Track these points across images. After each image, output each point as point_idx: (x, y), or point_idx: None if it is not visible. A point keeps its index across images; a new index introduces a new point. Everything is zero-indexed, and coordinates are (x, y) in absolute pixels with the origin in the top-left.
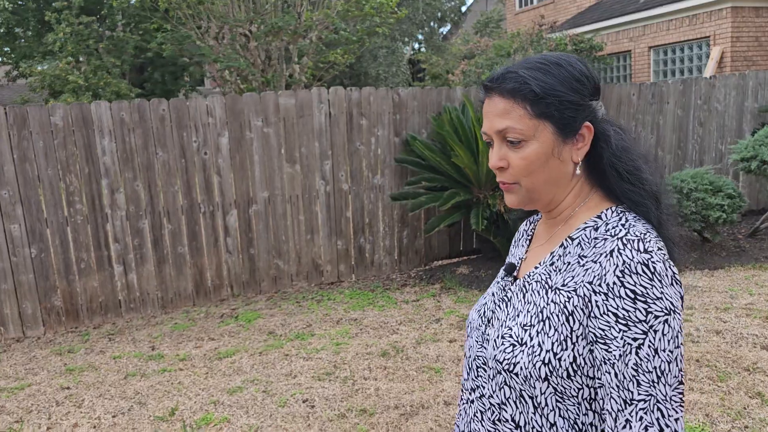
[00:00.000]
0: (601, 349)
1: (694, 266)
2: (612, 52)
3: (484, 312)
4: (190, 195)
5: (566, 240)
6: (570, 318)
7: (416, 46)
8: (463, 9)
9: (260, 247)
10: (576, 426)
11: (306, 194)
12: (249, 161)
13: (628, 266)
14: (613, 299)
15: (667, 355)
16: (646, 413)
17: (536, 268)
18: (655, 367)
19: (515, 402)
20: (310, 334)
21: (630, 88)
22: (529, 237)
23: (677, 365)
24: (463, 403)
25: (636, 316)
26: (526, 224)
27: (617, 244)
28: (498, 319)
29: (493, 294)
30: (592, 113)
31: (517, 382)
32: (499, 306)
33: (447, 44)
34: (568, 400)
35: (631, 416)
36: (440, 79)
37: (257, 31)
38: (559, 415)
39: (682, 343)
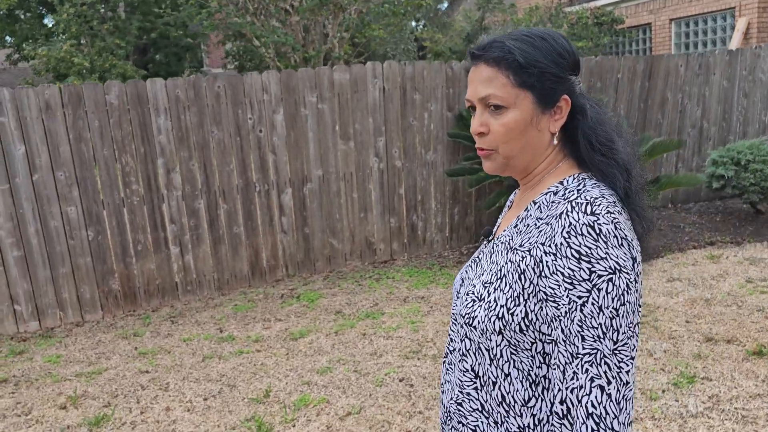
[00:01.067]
0: (551, 306)
1: (752, 238)
2: (631, 25)
3: (462, 274)
4: (246, 174)
5: (530, 204)
6: (522, 276)
7: (414, 23)
8: None
9: (315, 226)
10: (530, 377)
11: (360, 172)
12: (303, 138)
13: (573, 227)
14: (561, 259)
15: (611, 312)
16: (591, 365)
17: (504, 231)
18: (600, 324)
19: (474, 353)
20: (380, 313)
21: (678, 59)
22: (510, 204)
23: (624, 321)
24: (444, 357)
25: (580, 275)
26: (514, 193)
27: (567, 207)
28: (469, 278)
29: (472, 258)
30: (571, 87)
31: (475, 335)
32: (471, 267)
33: (450, 21)
34: (522, 353)
35: (578, 369)
36: (443, 57)
37: (300, 6)
38: (514, 367)
39: (629, 301)
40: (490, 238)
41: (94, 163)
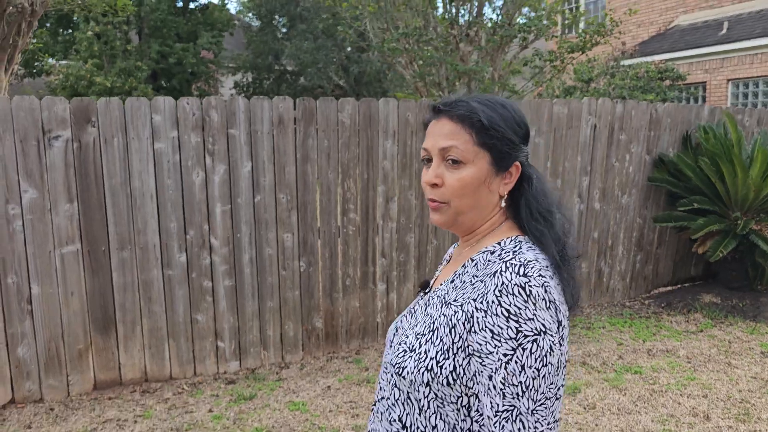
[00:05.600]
0: (476, 361)
1: None
2: (686, 82)
3: (397, 323)
4: None
5: (468, 261)
6: (452, 330)
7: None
8: None
9: None
10: (455, 430)
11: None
12: None
13: (505, 287)
14: (491, 316)
15: (533, 371)
16: (507, 421)
17: (441, 285)
18: (520, 382)
19: (403, 403)
20: (638, 367)
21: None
22: (449, 259)
23: (544, 382)
24: (373, 405)
25: (507, 333)
26: (453, 247)
27: (501, 267)
28: (402, 328)
29: (408, 308)
30: (523, 155)
31: (405, 385)
32: (406, 317)
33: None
34: (448, 405)
35: (495, 426)
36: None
37: (480, 35)
38: (440, 419)
39: (551, 363)
40: (426, 291)
41: (317, 187)
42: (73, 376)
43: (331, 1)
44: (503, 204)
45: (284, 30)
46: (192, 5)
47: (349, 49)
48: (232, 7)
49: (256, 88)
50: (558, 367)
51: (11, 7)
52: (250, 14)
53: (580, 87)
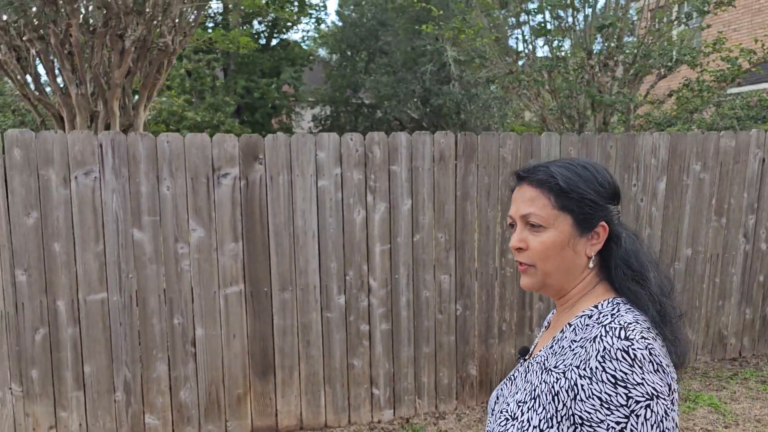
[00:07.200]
0: (587, 430)
1: None
2: None
3: (498, 391)
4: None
5: (566, 326)
6: (555, 398)
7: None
8: None
9: None
10: None
11: (726, 253)
12: (680, 211)
13: (608, 352)
14: (597, 383)
15: None
16: None
17: (540, 351)
18: None
19: None
20: None
21: None
22: (547, 325)
23: None
24: None
25: (617, 401)
26: (550, 314)
27: (601, 331)
28: (503, 395)
29: (508, 375)
30: (609, 215)
31: None
32: (506, 384)
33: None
34: None
35: None
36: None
37: (618, 65)
38: None
39: (667, 428)
40: (526, 357)
41: (475, 225)
42: (232, 422)
43: (451, 32)
44: (591, 265)
45: (363, 64)
46: (274, 41)
47: (428, 81)
48: (312, 42)
49: (334, 121)
50: None
51: (156, 47)
52: (320, 50)
53: (683, 118)
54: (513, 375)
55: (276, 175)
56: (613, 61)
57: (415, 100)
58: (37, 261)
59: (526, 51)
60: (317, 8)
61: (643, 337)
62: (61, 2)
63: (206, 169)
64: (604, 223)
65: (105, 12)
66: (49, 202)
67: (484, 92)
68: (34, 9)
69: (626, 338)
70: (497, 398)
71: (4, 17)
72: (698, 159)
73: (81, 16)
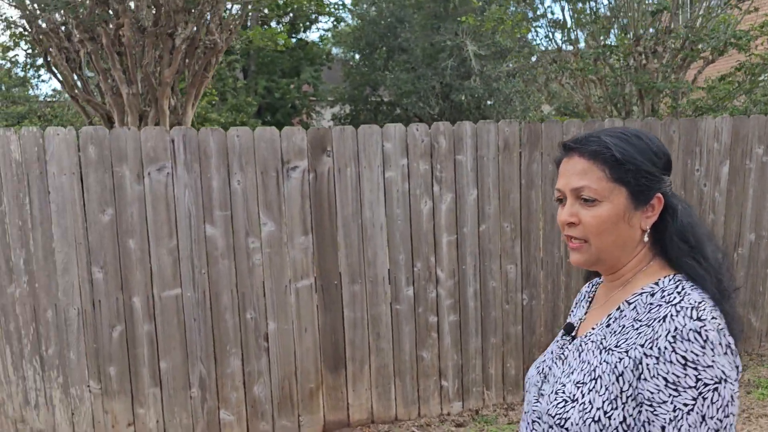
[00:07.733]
0: (647, 410)
1: None
2: None
3: (542, 369)
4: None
5: (623, 303)
6: (620, 378)
7: None
8: None
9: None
10: None
11: None
12: (743, 196)
13: (680, 332)
14: (664, 363)
15: (716, 423)
16: None
17: (593, 329)
18: None
19: None
20: None
21: None
22: (590, 299)
23: None
24: None
25: (686, 382)
26: (588, 286)
27: (671, 311)
28: (554, 375)
29: (551, 352)
30: (664, 186)
31: None
32: (555, 363)
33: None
34: None
35: None
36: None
37: (666, 51)
38: None
39: (732, 413)
40: (573, 333)
41: (540, 214)
42: (304, 417)
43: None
44: (646, 239)
45: (382, 61)
46: (292, 41)
47: (448, 76)
48: (326, 41)
49: (353, 120)
50: (736, 417)
51: (203, 44)
52: (334, 49)
53: (713, 106)
54: (563, 353)
55: (344, 167)
56: (662, 46)
57: (436, 95)
58: (112, 258)
59: (560, 42)
60: (336, 6)
61: (713, 318)
62: (111, 2)
63: (275, 163)
64: (659, 194)
65: (154, 11)
66: (124, 198)
67: (506, 86)
68: (86, 9)
69: (698, 318)
70: (544, 377)
71: (57, 18)
72: (761, 142)
73: (131, 15)
